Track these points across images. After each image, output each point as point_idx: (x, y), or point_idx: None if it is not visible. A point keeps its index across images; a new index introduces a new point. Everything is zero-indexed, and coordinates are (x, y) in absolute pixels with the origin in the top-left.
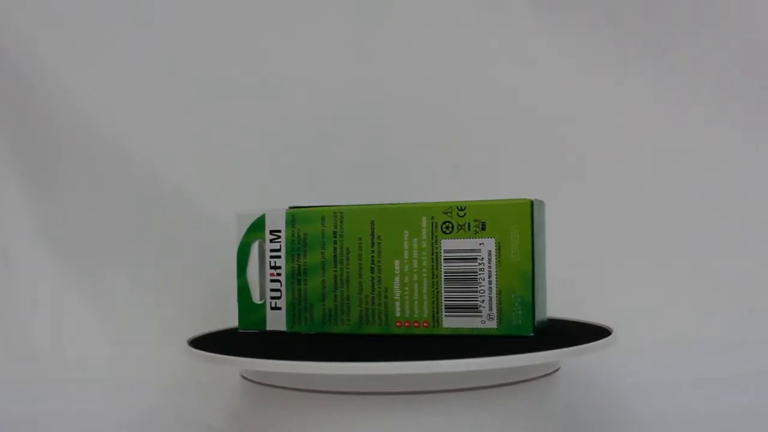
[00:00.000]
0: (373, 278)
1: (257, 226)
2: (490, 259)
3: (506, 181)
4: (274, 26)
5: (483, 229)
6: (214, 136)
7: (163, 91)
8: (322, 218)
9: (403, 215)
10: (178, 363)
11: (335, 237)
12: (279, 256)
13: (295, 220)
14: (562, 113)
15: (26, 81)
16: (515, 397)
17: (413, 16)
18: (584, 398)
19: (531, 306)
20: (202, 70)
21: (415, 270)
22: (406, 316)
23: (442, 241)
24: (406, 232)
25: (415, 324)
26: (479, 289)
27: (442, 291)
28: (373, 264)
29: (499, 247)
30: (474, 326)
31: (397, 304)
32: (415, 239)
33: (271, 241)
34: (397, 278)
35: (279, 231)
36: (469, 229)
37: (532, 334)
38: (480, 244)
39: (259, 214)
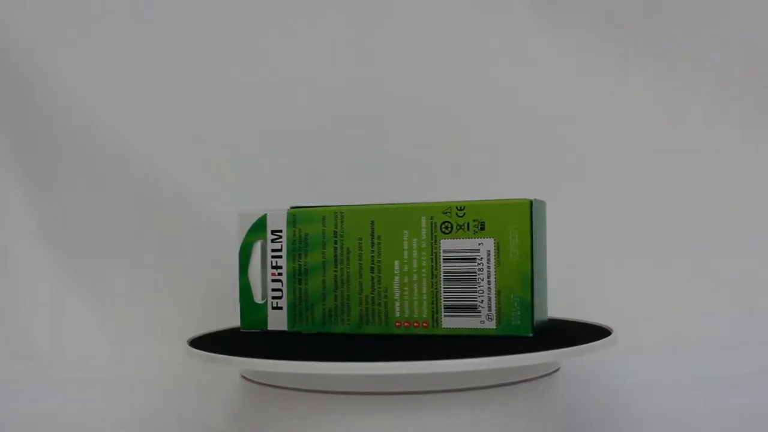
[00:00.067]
0: (373, 278)
1: (259, 226)
2: (489, 260)
3: (506, 181)
4: (274, 26)
5: (482, 229)
6: (214, 136)
7: (163, 91)
8: (323, 218)
9: (402, 215)
10: (178, 363)
11: (336, 237)
12: (280, 256)
13: (297, 220)
14: (562, 113)
15: (26, 81)
16: (515, 397)
17: (413, 16)
18: (584, 398)
19: (530, 306)
20: (202, 70)
21: (414, 270)
22: (406, 316)
23: (442, 241)
24: (406, 232)
25: (415, 324)
26: (478, 289)
27: (441, 291)
28: (373, 264)
29: (498, 247)
30: (473, 326)
31: (397, 304)
32: (415, 239)
33: (273, 241)
34: (396, 278)
35: (280, 231)
36: (468, 229)
37: (531, 335)
38: (479, 244)
39: (260, 214)
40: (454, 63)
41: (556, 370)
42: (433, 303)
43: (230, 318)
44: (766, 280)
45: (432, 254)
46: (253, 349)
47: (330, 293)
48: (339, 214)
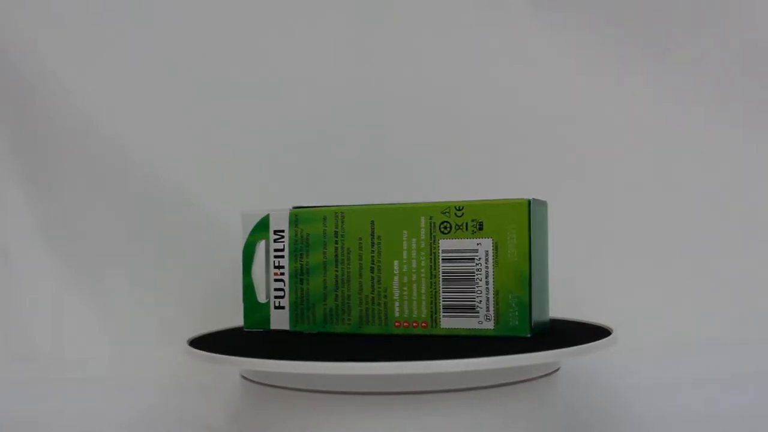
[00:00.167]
0: (373, 278)
1: (262, 226)
2: (487, 260)
3: (506, 181)
4: (274, 26)
5: (480, 229)
6: (214, 136)
7: (163, 91)
8: (324, 218)
9: (402, 215)
10: (178, 363)
11: (336, 237)
12: (283, 256)
13: (298, 220)
14: (562, 113)
15: (26, 81)
16: (515, 397)
17: (413, 16)
18: (584, 398)
19: (528, 307)
20: (202, 70)
21: (413, 270)
22: (405, 316)
23: (440, 241)
24: (405, 232)
25: (414, 324)
26: (476, 289)
27: (440, 291)
28: (373, 264)
29: (496, 247)
30: (471, 327)
31: (396, 304)
32: (414, 239)
33: (275, 240)
34: (396, 278)
35: (282, 231)
36: (466, 229)
37: (529, 335)
38: (477, 244)
39: (263, 214)
40: (454, 63)
41: (556, 370)
42: (431, 303)
43: (230, 318)
44: (766, 280)
45: (431, 254)
46: (253, 349)
47: (331, 293)
48: (340, 214)
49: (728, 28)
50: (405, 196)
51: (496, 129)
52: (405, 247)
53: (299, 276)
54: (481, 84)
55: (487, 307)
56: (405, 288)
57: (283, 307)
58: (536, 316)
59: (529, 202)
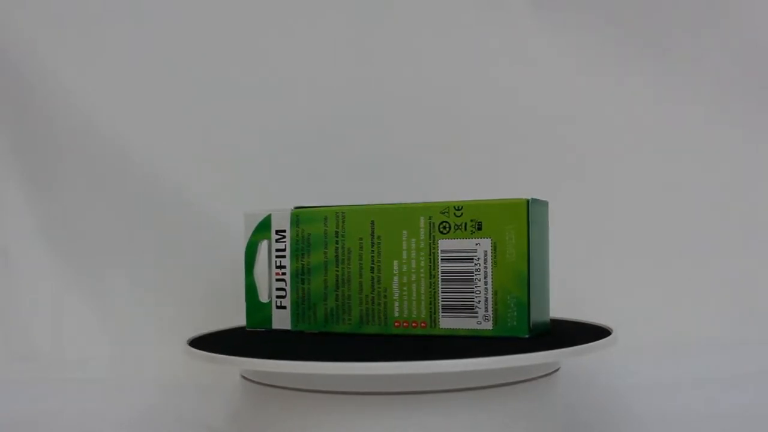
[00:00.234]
0: (373, 278)
1: (264, 226)
2: (486, 260)
3: (506, 181)
4: (274, 26)
5: (479, 229)
6: (214, 136)
7: (163, 91)
8: (325, 218)
9: (401, 215)
10: (178, 363)
11: (337, 237)
12: (284, 256)
13: (300, 220)
14: (562, 113)
15: (26, 81)
16: (515, 397)
17: (413, 16)
18: (584, 398)
19: (526, 307)
20: (202, 70)
21: (413, 270)
22: (405, 316)
23: (440, 241)
24: (405, 232)
25: (413, 324)
26: (475, 290)
27: (439, 292)
28: (373, 264)
29: (494, 248)
30: (470, 327)
31: (396, 304)
32: (414, 239)
33: (277, 240)
34: (395, 278)
35: (284, 231)
36: (465, 229)
37: (527, 336)
38: (476, 244)
39: (265, 214)
40: (454, 63)
41: (556, 370)
42: (431, 303)
43: (230, 318)
44: (766, 280)
45: (430, 254)
46: (253, 349)
47: (331, 293)
48: (340, 214)
49: (728, 28)
50: (405, 196)
51: (496, 129)
52: (405, 247)
53: (300, 276)
54: (481, 84)
55: (486, 308)
56: (404, 288)
57: (284, 307)
58: (535, 317)
59: (527, 202)
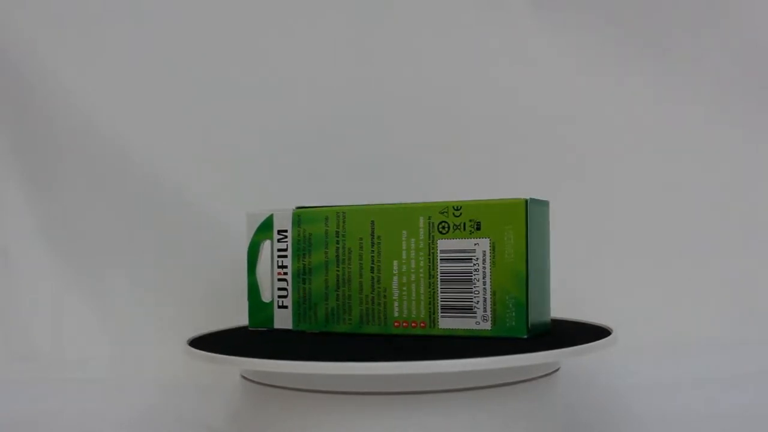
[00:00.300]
0: (373, 278)
1: (266, 226)
2: (484, 260)
3: (506, 181)
4: (274, 26)
5: (478, 229)
6: (214, 136)
7: (163, 91)
8: (326, 218)
9: (401, 215)
10: (178, 363)
11: (338, 237)
12: (286, 256)
13: (301, 220)
14: (562, 113)
15: (26, 81)
16: (515, 397)
17: (413, 16)
18: (584, 398)
19: (525, 308)
20: (202, 70)
21: (412, 270)
22: (404, 316)
23: (439, 241)
24: (404, 232)
25: (413, 324)
26: (474, 290)
27: (438, 292)
28: (373, 264)
29: (493, 248)
30: (469, 327)
31: (396, 304)
32: (413, 239)
33: (279, 240)
34: (395, 278)
35: (286, 231)
36: (464, 229)
37: (525, 337)
38: (475, 244)
39: (267, 214)
40: (454, 63)
41: (556, 370)
42: (430, 303)
43: (230, 318)
44: (766, 280)
45: (429, 254)
46: (253, 349)
47: (332, 293)
48: (341, 214)
49: (728, 28)
50: (405, 196)
51: (496, 129)
52: (404, 247)
53: (302, 276)
54: (481, 84)
55: (484, 308)
56: (404, 288)
57: (286, 307)
58: (534, 317)
59: (525, 202)
